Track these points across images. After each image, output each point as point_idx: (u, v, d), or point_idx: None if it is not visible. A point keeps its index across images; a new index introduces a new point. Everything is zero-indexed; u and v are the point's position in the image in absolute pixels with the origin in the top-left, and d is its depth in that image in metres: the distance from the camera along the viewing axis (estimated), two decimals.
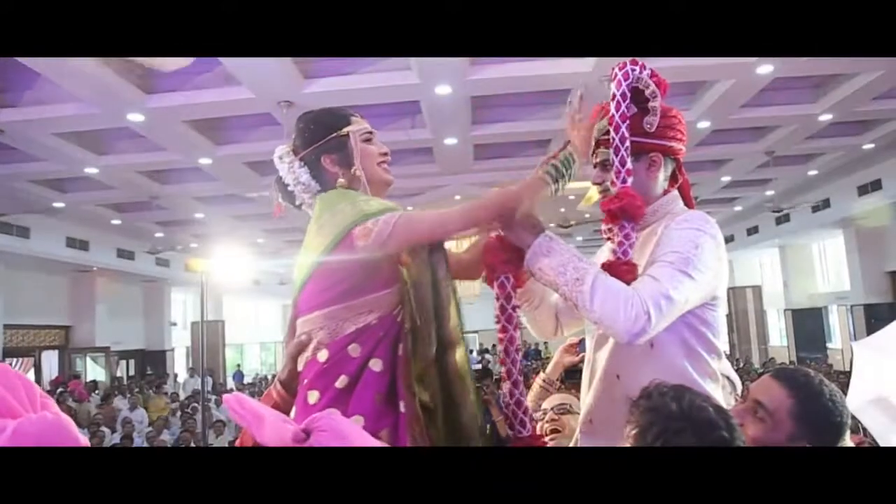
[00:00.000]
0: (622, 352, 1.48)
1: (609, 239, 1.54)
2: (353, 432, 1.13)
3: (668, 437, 1.02)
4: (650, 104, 1.49)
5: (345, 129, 1.53)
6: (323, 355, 1.36)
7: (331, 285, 1.39)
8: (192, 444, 7.24)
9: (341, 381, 1.33)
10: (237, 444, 1.44)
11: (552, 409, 2.09)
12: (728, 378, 1.66)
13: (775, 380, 1.32)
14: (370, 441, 1.16)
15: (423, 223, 1.41)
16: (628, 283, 1.35)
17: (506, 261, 1.48)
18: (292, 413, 1.39)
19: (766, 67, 6.25)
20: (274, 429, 1.08)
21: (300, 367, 1.42)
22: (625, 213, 1.44)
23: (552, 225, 14.40)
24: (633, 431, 1.07)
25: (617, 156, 1.48)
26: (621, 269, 1.38)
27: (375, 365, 1.35)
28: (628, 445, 1.07)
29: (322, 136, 1.53)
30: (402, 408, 1.34)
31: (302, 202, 1.57)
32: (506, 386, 1.49)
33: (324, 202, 1.48)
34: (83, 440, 0.99)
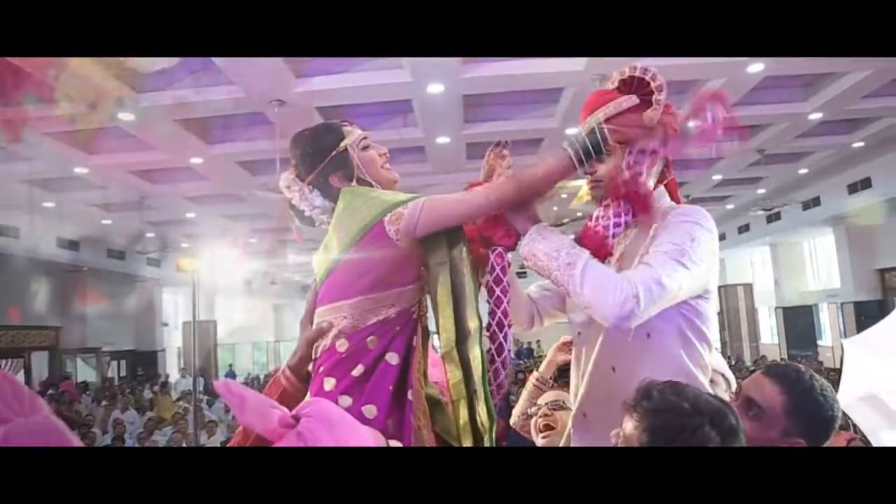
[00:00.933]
0: (617, 344, 1.46)
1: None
2: (340, 420, 1.14)
3: (687, 437, 1.00)
4: (654, 97, 1.45)
5: (342, 145, 1.54)
6: (342, 345, 1.40)
7: (358, 276, 1.42)
8: (184, 445, 7.21)
9: (357, 370, 1.38)
10: (230, 444, 1.44)
11: (546, 404, 2.10)
12: (723, 375, 1.67)
13: (767, 377, 1.33)
14: (357, 429, 1.17)
15: (447, 203, 1.43)
16: (587, 247, 1.40)
17: (505, 235, 1.50)
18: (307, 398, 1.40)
19: (756, 66, 6.28)
20: (257, 412, 1.09)
21: (316, 354, 1.45)
22: (633, 201, 1.45)
23: None
24: (643, 435, 1.03)
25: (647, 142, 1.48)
26: (588, 234, 1.45)
27: (392, 358, 1.40)
28: (631, 445, 1.04)
29: (322, 157, 1.53)
30: (409, 396, 1.39)
31: (321, 223, 1.58)
32: (497, 361, 1.48)
33: (346, 199, 1.50)
34: (76, 442, 0.97)
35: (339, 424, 1.11)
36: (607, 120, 1.47)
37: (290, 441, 1.04)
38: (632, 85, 1.47)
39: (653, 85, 1.45)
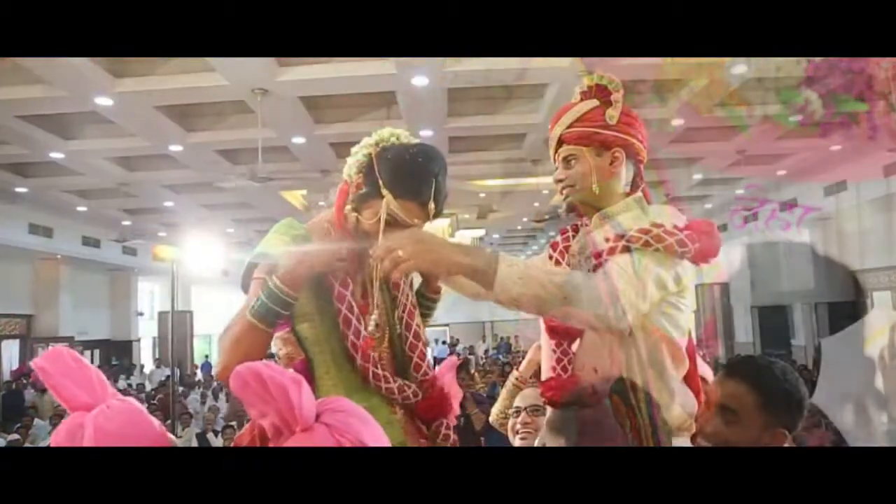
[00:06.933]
0: (598, 344, 1.46)
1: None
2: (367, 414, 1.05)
3: None
4: (612, 97, 1.51)
5: None
6: None
7: None
8: None
9: None
10: (234, 443, 1.38)
11: (526, 408, 2.07)
12: (703, 378, 1.68)
13: (731, 379, 1.33)
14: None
15: None
16: None
17: None
18: None
19: (740, 68, 6.33)
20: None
21: None
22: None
23: (525, 219, 14.41)
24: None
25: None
26: None
27: None
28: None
29: None
30: None
31: None
32: None
33: None
34: (156, 423, 0.95)
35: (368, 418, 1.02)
36: (570, 126, 1.53)
37: (317, 435, 0.91)
38: (591, 93, 1.55)
39: (610, 87, 1.52)
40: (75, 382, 0.93)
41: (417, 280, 1.68)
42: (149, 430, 0.93)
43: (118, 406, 0.93)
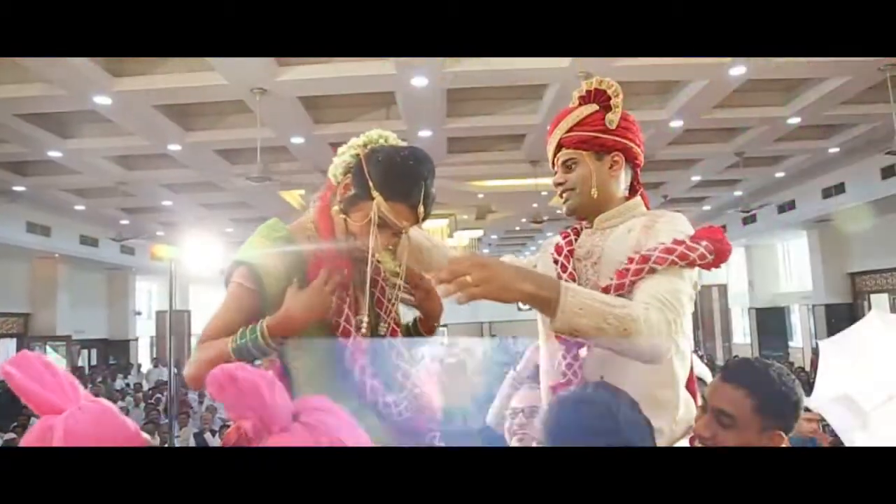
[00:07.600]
0: (606, 352, 1.46)
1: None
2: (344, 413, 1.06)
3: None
4: (612, 101, 1.53)
5: None
6: None
7: None
8: (157, 435, 7.14)
9: None
10: (222, 443, 1.38)
11: (523, 410, 2.07)
12: (701, 379, 1.68)
13: (727, 383, 1.33)
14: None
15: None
16: None
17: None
18: None
19: (738, 69, 6.33)
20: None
21: None
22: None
23: (523, 220, 14.42)
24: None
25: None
26: None
27: None
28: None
29: None
30: None
31: None
32: None
33: None
34: (131, 424, 0.94)
35: (347, 417, 1.02)
36: (570, 130, 1.55)
37: (295, 435, 0.89)
38: (591, 97, 1.57)
39: (609, 91, 1.54)
40: (45, 387, 0.92)
41: (406, 310, 1.66)
42: (122, 431, 0.92)
43: (89, 407, 0.92)
